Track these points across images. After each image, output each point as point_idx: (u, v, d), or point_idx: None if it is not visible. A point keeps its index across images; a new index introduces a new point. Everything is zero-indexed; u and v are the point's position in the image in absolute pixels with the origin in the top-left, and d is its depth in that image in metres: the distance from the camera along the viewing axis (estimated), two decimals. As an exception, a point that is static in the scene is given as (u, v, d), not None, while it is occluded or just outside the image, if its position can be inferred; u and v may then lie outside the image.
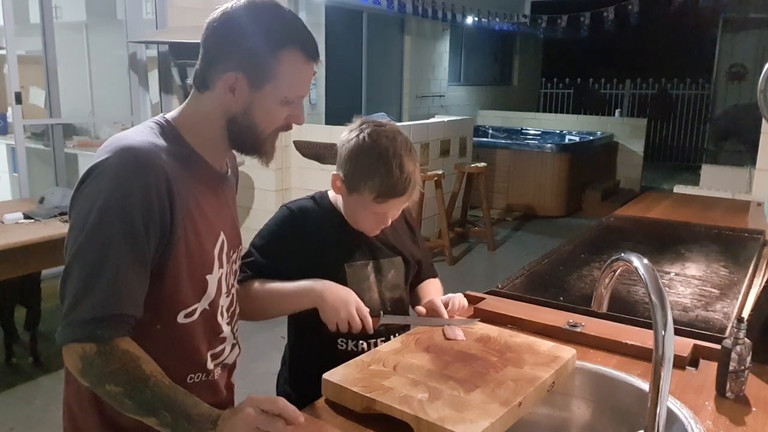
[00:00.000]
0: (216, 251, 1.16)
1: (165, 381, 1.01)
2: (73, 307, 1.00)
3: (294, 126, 1.18)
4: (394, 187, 1.38)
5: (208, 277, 1.15)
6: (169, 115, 1.16)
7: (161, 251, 1.06)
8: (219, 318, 1.21)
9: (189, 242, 1.10)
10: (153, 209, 1.03)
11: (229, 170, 1.26)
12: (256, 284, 1.42)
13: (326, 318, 1.36)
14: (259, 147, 1.15)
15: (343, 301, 1.35)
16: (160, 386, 1.00)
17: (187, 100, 1.16)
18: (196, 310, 1.15)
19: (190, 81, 1.15)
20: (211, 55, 1.10)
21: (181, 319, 1.13)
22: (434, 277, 1.69)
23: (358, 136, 1.41)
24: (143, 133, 1.09)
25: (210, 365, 1.21)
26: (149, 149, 1.06)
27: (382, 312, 1.43)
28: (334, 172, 1.45)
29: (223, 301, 1.21)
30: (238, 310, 1.31)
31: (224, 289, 1.21)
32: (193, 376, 1.18)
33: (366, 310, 1.37)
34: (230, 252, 1.22)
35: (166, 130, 1.12)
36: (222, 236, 1.18)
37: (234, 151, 1.21)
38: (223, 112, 1.12)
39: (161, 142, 1.09)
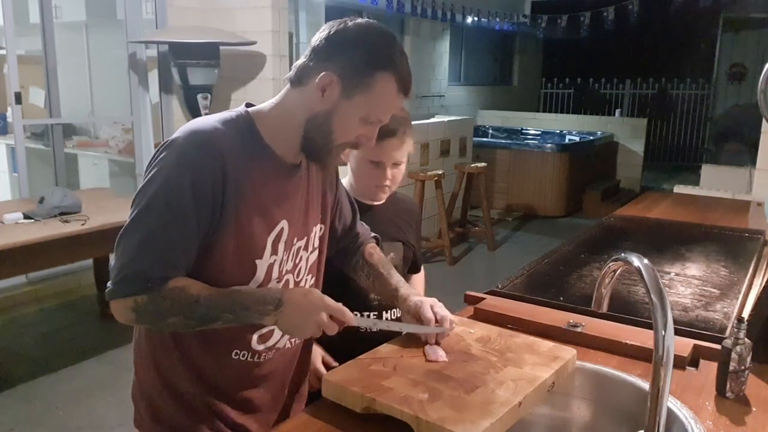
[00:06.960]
0: (270, 238, 1.20)
1: (213, 294, 1.11)
2: (127, 265, 1.09)
3: None
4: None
5: (257, 261, 1.19)
6: (254, 108, 1.21)
7: (214, 227, 1.12)
8: None
9: (240, 225, 1.14)
10: (205, 185, 1.09)
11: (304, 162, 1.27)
12: None
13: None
14: (326, 155, 1.20)
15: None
16: (210, 300, 1.10)
17: (280, 94, 1.21)
18: None
19: (290, 74, 1.18)
20: (316, 54, 1.15)
21: None
22: (418, 271, 1.78)
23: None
24: (215, 119, 1.16)
25: (258, 346, 1.25)
26: (212, 133, 1.12)
27: (357, 314, 1.25)
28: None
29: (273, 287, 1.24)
30: None
31: (275, 275, 1.23)
32: (238, 352, 1.24)
33: (339, 311, 1.17)
34: (293, 239, 1.25)
35: (241, 118, 1.18)
36: (282, 225, 1.21)
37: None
38: (306, 109, 1.16)
39: (230, 129, 1.14)
